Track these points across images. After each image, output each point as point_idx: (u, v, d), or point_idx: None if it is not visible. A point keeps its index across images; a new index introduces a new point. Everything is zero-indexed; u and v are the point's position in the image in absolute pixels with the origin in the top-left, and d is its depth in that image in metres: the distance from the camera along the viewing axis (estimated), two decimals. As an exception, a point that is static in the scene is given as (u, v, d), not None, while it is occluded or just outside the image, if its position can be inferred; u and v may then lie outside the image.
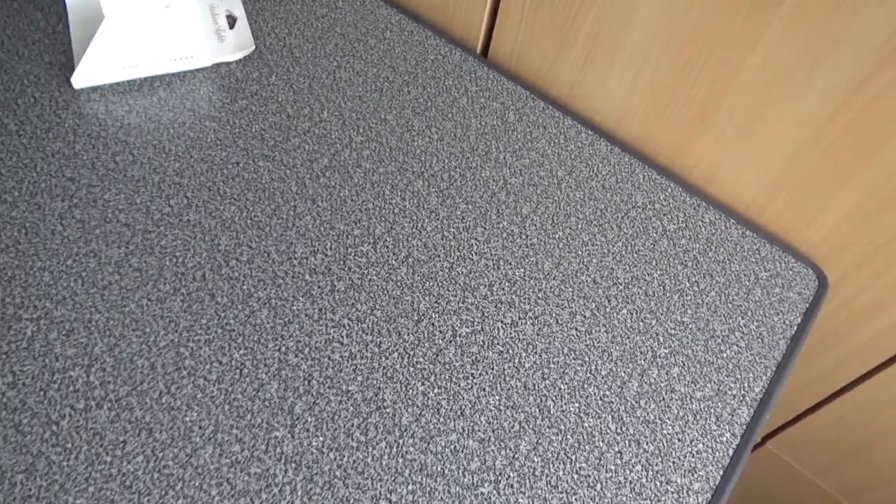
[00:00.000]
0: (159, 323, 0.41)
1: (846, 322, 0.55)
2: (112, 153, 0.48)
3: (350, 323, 0.43)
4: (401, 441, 0.39)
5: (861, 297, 0.53)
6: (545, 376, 0.43)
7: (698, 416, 0.42)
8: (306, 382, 0.40)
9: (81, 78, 0.50)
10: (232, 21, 0.57)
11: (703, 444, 0.41)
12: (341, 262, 0.46)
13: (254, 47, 0.56)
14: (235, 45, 0.55)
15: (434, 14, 0.62)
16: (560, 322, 0.45)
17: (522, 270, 0.47)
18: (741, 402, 0.43)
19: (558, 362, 0.43)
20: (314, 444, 0.38)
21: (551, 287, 0.47)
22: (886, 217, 0.48)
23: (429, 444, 0.39)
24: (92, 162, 0.47)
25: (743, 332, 0.47)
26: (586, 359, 0.44)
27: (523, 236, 0.49)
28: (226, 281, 0.43)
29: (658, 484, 0.39)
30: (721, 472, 0.40)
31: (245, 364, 0.40)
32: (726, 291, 0.49)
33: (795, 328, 0.47)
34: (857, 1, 0.40)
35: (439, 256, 0.47)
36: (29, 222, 0.44)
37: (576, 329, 0.45)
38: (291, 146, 0.51)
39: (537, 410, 0.41)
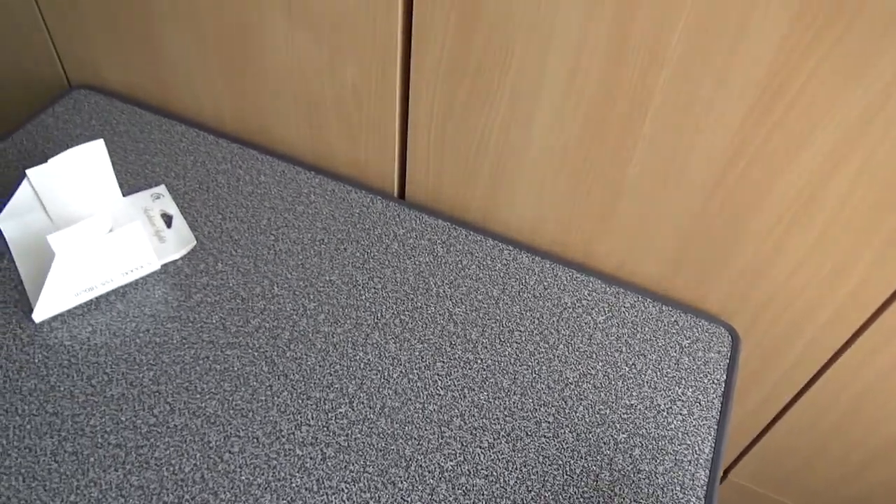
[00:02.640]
0: (172, 535, 0.44)
1: (764, 360, 0.63)
2: (87, 377, 0.51)
3: (347, 486, 0.47)
4: (419, 586, 0.43)
5: (769, 336, 0.62)
6: (530, 489, 0.48)
7: (666, 490, 0.48)
8: (322, 555, 0.44)
9: (42, 312, 0.53)
10: (168, 219, 0.62)
11: (676, 513, 0.47)
12: (325, 428, 0.50)
13: (195, 241, 0.60)
14: (177, 243, 0.60)
15: (349, 169, 0.69)
16: (529, 433, 0.51)
17: (486, 393, 0.53)
18: (696, 465, 0.50)
19: (538, 472, 0.49)
20: None
21: (514, 402, 0.52)
22: (768, 273, 0.57)
23: (444, 581, 0.43)
24: (70, 391, 0.50)
25: (683, 401, 0.54)
26: (559, 462, 0.49)
27: (478, 360, 0.55)
28: (224, 476, 0.47)
29: (648, 562, 0.45)
30: (696, 536, 0.46)
31: (262, 553, 0.43)
32: (660, 366, 0.56)
33: (724, 385, 0.55)
34: (699, 119, 0.49)
35: (410, 399, 0.52)
36: (24, 468, 0.46)
37: (544, 436, 0.51)
38: (252, 328, 0.55)
39: (530, 522, 0.46)
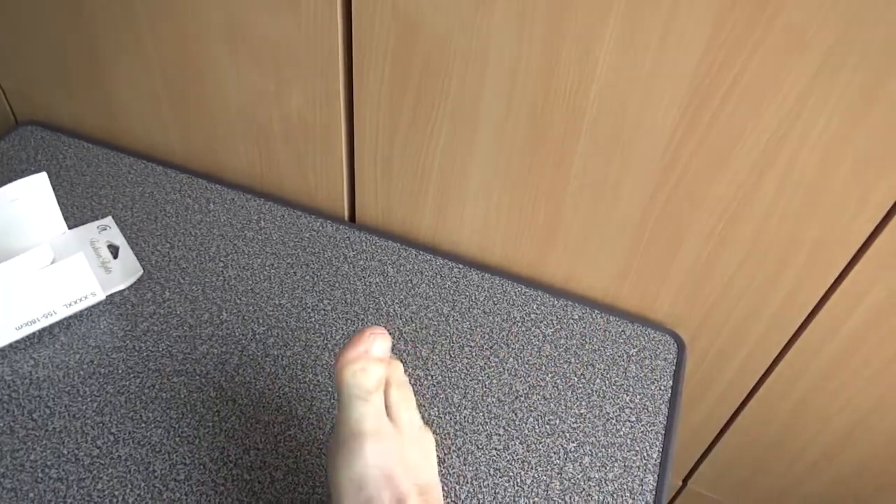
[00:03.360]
0: (115, 567, 0.43)
1: (711, 367, 0.65)
2: (28, 412, 0.50)
3: (296, 508, 0.46)
4: None
5: (715, 343, 0.63)
6: (481, 501, 0.48)
7: (615, 496, 0.49)
8: (270, 579, 0.43)
9: (-19, 347, 0.52)
10: (114, 250, 0.61)
11: (625, 519, 0.48)
12: (274, 451, 0.49)
13: (141, 271, 0.60)
14: (123, 274, 0.59)
15: (299, 195, 0.70)
16: (480, 447, 0.51)
17: (436, 409, 0.53)
18: (645, 471, 0.50)
19: (488, 484, 0.49)
20: None
21: (465, 417, 0.53)
22: (710, 278, 0.58)
23: None
24: (10, 427, 0.49)
25: (631, 408, 0.54)
26: (510, 473, 0.50)
27: (429, 377, 0.55)
28: (170, 505, 0.46)
29: (599, 568, 0.45)
30: (646, 540, 0.47)
31: (208, 581, 0.43)
32: (608, 375, 0.57)
33: (670, 391, 0.56)
34: (630, 132, 0.51)
35: (360, 419, 0.52)
36: (-41, 507, 0.45)
37: (495, 449, 0.51)
38: (200, 354, 0.55)
39: (482, 535, 0.46)
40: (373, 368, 0.39)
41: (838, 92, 0.44)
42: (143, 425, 0.50)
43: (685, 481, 0.78)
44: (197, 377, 0.53)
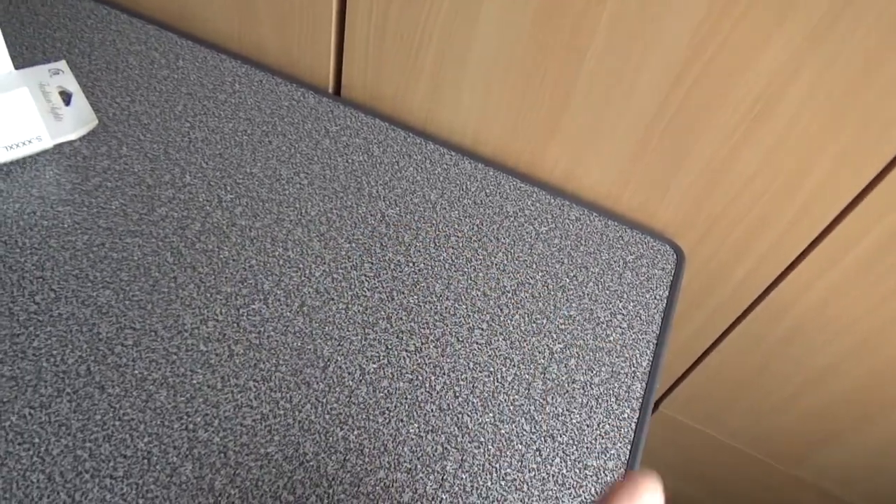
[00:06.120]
0: (48, 430, 0.38)
1: (707, 283, 0.62)
2: (-44, 258, 0.44)
3: (256, 384, 0.42)
4: (330, 491, 0.39)
5: (714, 260, 0.59)
6: (457, 394, 0.44)
7: (600, 400, 0.46)
8: (222, 455, 0.39)
9: None
10: (67, 97, 0.54)
11: (609, 424, 0.45)
12: (235, 324, 0.45)
13: (96, 121, 0.53)
14: (75, 123, 0.53)
15: (280, 61, 0.63)
16: (460, 339, 0.47)
17: (416, 297, 0.49)
18: (633, 378, 0.47)
19: (466, 378, 0.45)
20: (243, 516, 0.37)
21: (446, 307, 0.49)
22: (718, 189, 0.54)
23: (358, 486, 0.40)
24: (-66, 272, 0.43)
25: (623, 314, 0.51)
26: (491, 369, 0.46)
27: (410, 264, 0.51)
28: (114, 370, 0.41)
29: (577, 471, 0.42)
30: (629, 447, 0.44)
31: (152, 452, 0.39)
32: (602, 280, 0.53)
33: (665, 301, 0.52)
34: (661, 8, 0.45)
35: (333, 299, 0.47)
36: None
37: (476, 343, 0.47)
38: (158, 216, 0.49)
39: (456, 429, 0.43)
40: None
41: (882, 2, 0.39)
42: (88, 284, 0.45)
43: (657, 404, 0.76)
44: (153, 240, 0.48)
